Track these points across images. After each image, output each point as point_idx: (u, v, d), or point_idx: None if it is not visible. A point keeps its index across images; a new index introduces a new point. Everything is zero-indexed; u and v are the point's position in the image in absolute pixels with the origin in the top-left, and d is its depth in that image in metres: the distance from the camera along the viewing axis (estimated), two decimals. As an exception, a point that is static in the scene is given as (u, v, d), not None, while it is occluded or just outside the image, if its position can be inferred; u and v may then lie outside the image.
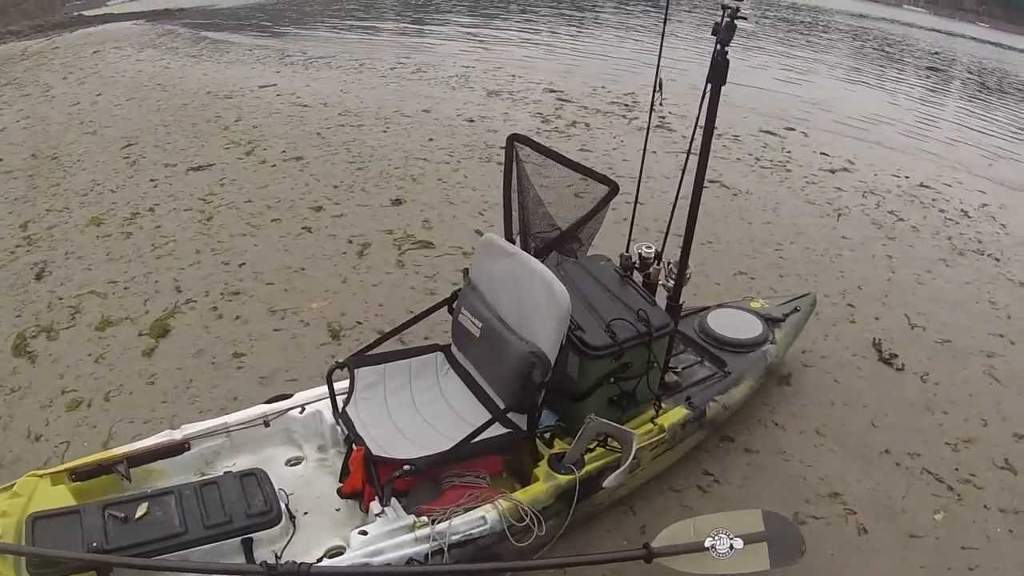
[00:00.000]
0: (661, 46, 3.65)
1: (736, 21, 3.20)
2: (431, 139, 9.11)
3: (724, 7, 3.19)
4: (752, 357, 4.40)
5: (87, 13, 18.98)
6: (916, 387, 5.11)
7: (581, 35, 17.83)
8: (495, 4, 21.47)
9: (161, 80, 11.77)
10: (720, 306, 4.86)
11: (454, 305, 3.83)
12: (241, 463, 3.53)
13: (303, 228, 6.72)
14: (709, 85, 3.34)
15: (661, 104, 3.70)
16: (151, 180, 7.77)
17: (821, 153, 9.62)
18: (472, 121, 9.86)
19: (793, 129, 10.60)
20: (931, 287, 6.48)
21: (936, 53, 21.06)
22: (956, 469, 4.37)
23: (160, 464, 3.45)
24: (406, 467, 3.07)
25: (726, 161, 8.79)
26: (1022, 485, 4.32)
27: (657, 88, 3.68)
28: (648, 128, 4.02)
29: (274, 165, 8.19)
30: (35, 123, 9.74)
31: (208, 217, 6.92)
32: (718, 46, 3.22)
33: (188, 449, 3.50)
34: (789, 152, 9.57)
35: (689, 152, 3.55)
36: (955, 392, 5.08)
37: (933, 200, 8.43)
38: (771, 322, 4.70)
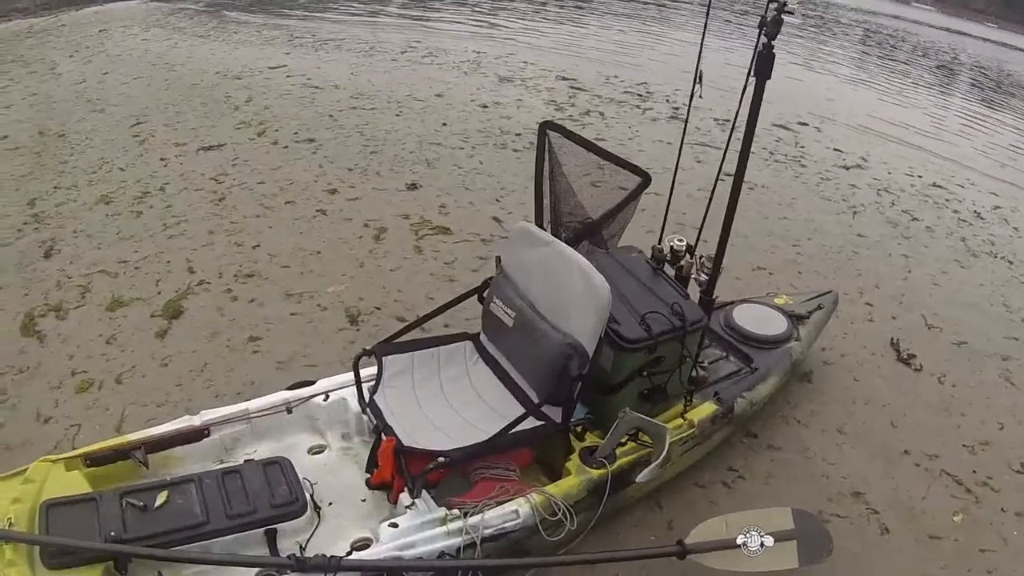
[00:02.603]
0: (703, 39, 3.62)
1: (783, 15, 3.17)
2: (445, 124, 9.06)
3: (771, 1, 3.15)
4: (778, 353, 4.39)
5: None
6: (934, 388, 5.12)
7: (592, 25, 17.72)
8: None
9: (169, 59, 11.64)
10: (745, 301, 4.84)
11: (485, 294, 3.79)
12: (262, 451, 3.47)
13: (318, 211, 6.66)
14: (753, 79, 3.30)
15: (701, 96, 3.65)
16: (161, 159, 7.69)
17: (835, 149, 9.60)
18: (486, 107, 9.80)
19: (806, 124, 10.57)
20: (946, 288, 6.49)
21: (945, 52, 21.03)
22: (974, 472, 4.39)
23: (178, 450, 3.38)
24: (440, 459, 3.03)
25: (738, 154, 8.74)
26: (1036, 489, 4.35)
27: (697, 80, 3.63)
28: (686, 120, 3.95)
29: (286, 147, 8.12)
30: (41, 100, 9.61)
31: (220, 198, 6.85)
32: (764, 39, 3.18)
33: (208, 435, 3.43)
34: (803, 147, 9.55)
35: (727, 147, 3.51)
36: (972, 394, 5.10)
37: (947, 200, 8.43)
38: (795, 319, 4.69)
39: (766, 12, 3.17)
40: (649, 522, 3.71)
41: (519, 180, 7.45)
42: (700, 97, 3.66)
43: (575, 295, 3.26)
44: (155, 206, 6.65)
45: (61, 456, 3.10)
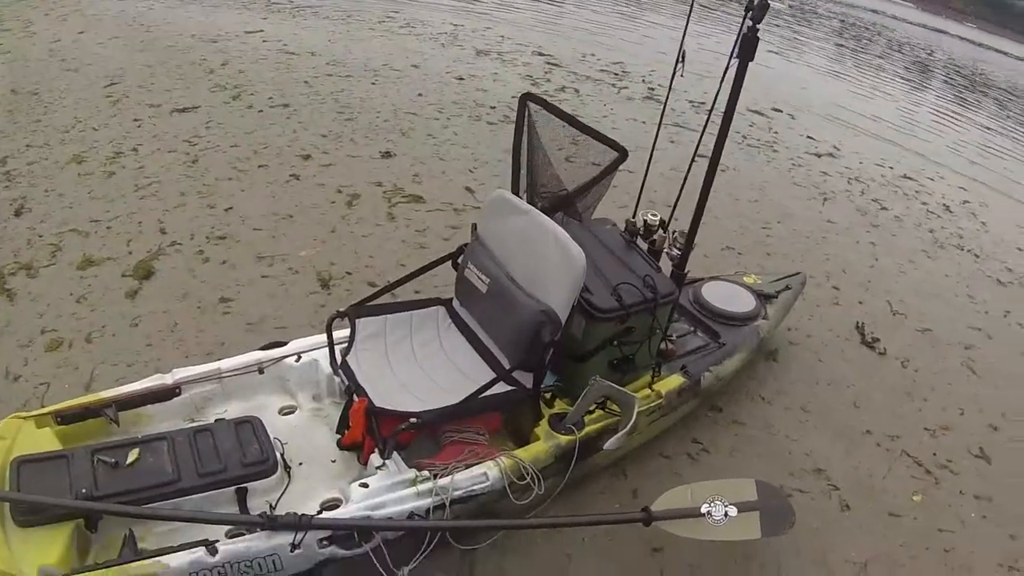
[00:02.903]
0: (688, 18, 3.66)
1: (770, 1, 3.22)
2: (420, 94, 9.00)
3: None
4: (746, 331, 4.46)
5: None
6: (897, 372, 5.22)
7: (570, 3, 17.66)
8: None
9: (145, 20, 11.42)
10: (714, 278, 4.89)
11: (459, 260, 3.80)
12: (233, 410, 3.46)
13: (291, 175, 6.62)
14: (736, 61, 3.34)
15: (683, 75, 3.68)
16: (135, 120, 7.56)
17: (808, 137, 9.70)
18: (462, 79, 9.76)
19: (780, 111, 10.67)
20: (913, 277, 6.60)
21: (921, 49, 21.26)
22: (934, 454, 4.50)
23: (149, 409, 3.36)
24: (412, 420, 3.03)
25: (714, 136, 8.78)
26: (996, 474, 4.47)
27: (680, 59, 3.66)
28: (667, 99, 3.97)
29: (261, 111, 8.02)
30: (15, 59, 9.37)
31: (193, 160, 6.77)
32: (749, 23, 3.21)
33: (179, 394, 3.42)
34: (776, 133, 9.64)
35: (705, 128, 3.55)
36: (934, 380, 5.21)
37: (916, 192, 8.55)
38: (764, 298, 4.76)
39: None
40: (614, 489, 3.76)
41: (492, 152, 7.45)
42: (682, 76, 3.69)
43: (551, 264, 3.28)
44: (127, 167, 6.56)
45: (31, 413, 3.08)
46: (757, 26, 3.23)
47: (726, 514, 3.22)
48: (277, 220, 5.87)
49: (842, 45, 19.76)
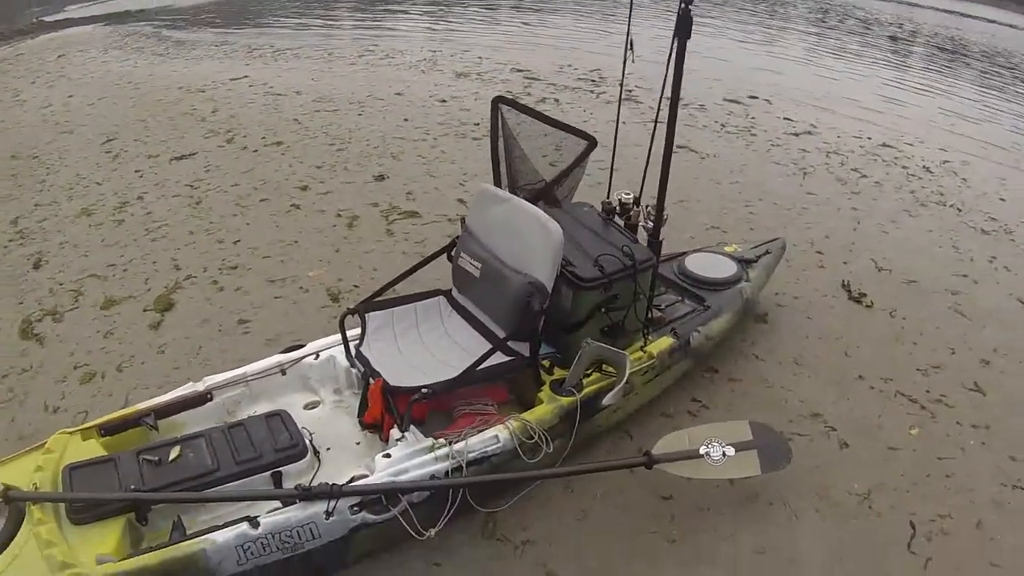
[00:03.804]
0: (631, 8, 3.94)
1: None
2: (406, 119, 9.30)
3: None
4: (729, 293, 4.72)
5: (48, 19, 18.77)
6: (885, 322, 5.44)
7: (546, 20, 17.98)
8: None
9: (131, 79, 11.78)
10: (696, 251, 5.16)
11: (452, 252, 4.09)
12: (261, 410, 3.71)
13: (292, 206, 6.91)
14: (676, 39, 3.62)
15: (634, 61, 3.97)
16: (136, 171, 7.88)
17: (785, 119, 9.93)
18: (445, 101, 10.06)
19: (756, 98, 10.89)
20: (896, 235, 6.82)
21: (895, 22, 21.46)
22: (927, 391, 4.70)
23: (184, 415, 3.65)
24: (423, 390, 3.31)
25: (693, 128, 9.11)
26: (991, 404, 4.67)
27: (629, 47, 3.95)
28: (621, 83, 4.24)
29: (256, 151, 8.34)
30: (9, 126, 9.74)
31: (197, 201, 7.07)
32: (682, 3, 3.50)
33: (211, 399, 3.71)
34: (754, 119, 9.88)
35: (661, 101, 3.81)
36: (923, 326, 5.42)
37: (896, 159, 8.77)
38: (744, 263, 5.03)
39: None
40: (620, 449, 4.01)
41: (480, 165, 7.69)
42: (633, 62, 3.98)
43: (533, 241, 3.58)
44: (135, 214, 6.86)
45: (77, 428, 3.36)
46: (690, 6, 3.51)
47: (724, 454, 3.49)
48: (283, 246, 6.16)
49: (815, 29, 19.98)
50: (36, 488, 2.93)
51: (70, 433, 3.30)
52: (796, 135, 9.30)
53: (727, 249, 5.20)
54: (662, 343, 4.11)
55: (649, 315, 4.11)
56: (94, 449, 3.27)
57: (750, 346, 4.96)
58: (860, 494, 3.86)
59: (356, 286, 5.53)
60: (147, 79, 11.73)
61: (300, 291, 5.52)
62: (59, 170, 8.04)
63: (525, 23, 17.15)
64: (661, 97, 3.77)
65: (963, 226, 7.15)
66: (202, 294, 5.52)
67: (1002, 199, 8.02)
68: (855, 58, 15.68)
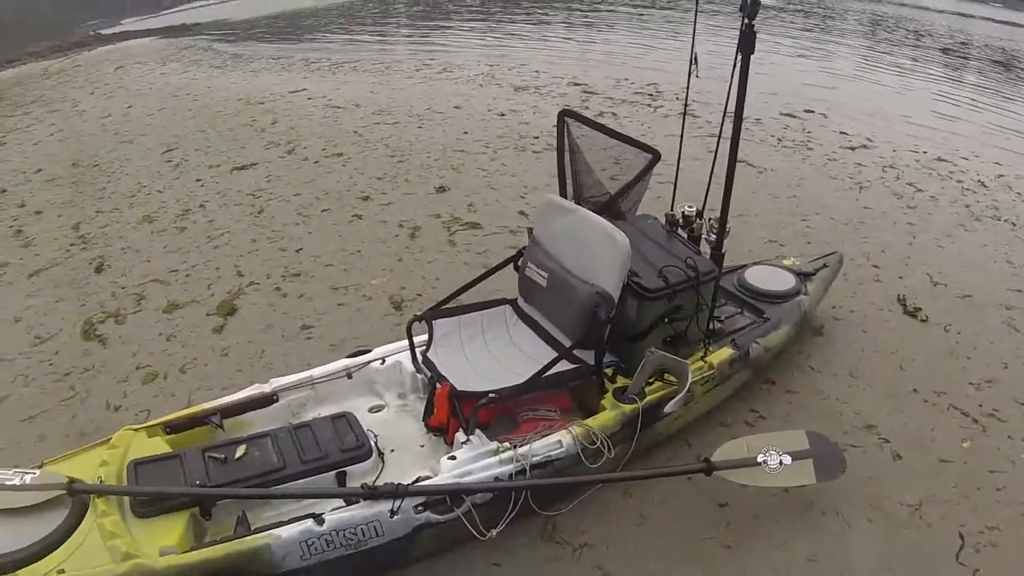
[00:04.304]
0: (695, 23, 4.04)
1: None
2: (466, 132, 9.46)
3: None
4: (787, 306, 4.79)
5: (104, 32, 19.39)
6: (940, 336, 5.44)
7: (599, 34, 18.07)
8: (506, 6, 21.77)
9: (190, 90, 12.16)
10: (756, 263, 5.23)
11: (519, 262, 4.22)
12: (326, 412, 3.83)
13: (354, 216, 7.10)
14: (739, 55, 3.73)
15: (698, 76, 4.08)
16: (197, 180, 8.16)
17: (841, 132, 9.88)
18: (503, 115, 10.20)
19: (812, 112, 10.84)
20: (951, 250, 6.80)
21: (948, 35, 21.18)
22: (980, 405, 4.71)
23: (250, 416, 3.78)
24: (491, 395, 3.43)
25: (750, 143, 9.09)
26: (1045, 418, 4.67)
27: (693, 61, 4.06)
28: (686, 97, 4.40)
29: (317, 162, 8.56)
30: (69, 135, 10.14)
31: (259, 210, 7.29)
32: (746, 20, 3.61)
33: (276, 401, 3.84)
34: (810, 132, 9.86)
35: (724, 116, 3.92)
36: (977, 340, 5.41)
37: (951, 172, 8.71)
38: (802, 276, 5.08)
39: None
40: (680, 457, 4.09)
41: (540, 178, 7.85)
42: (697, 77, 4.09)
43: (599, 251, 3.70)
44: (198, 221, 7.11)
45: (142, 425, 3.50)
46: (752, 22, 3.62)
47: (781, 462, 3.57)
48: (346, 256, 6.34)
49: (872, 38, 19.81)
50: (101, 482, 3.04)
51: (135, 430, 3.42)
52: (852, 149, 9.28)
53: (786, 262, 5.27)
54: (722, 354, 4.20)
55: (710, 326, 4.21)
56: (159, 446, 3.39)
57: (807, 359, 5.01)
58: (912, 505, 3.90)
59: (419, 295, 5.67)
60: (206, 91, 12.12)
61: (363, 299, 5.67)
62: (120, 178, 8.36)
63: (577, 39, 17.27)
64: (724, 112, 3.88)
65: (1018, 240, 7.10)
66: (265, 300, 5.69)
67: (1056, 214, 7.95)
68: (908, 72, 15.55)
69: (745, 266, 5.16)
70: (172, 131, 9.97)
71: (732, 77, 3.77)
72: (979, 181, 8.49)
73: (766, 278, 4.99)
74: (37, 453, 3.86)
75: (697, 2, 4.21)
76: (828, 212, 7.35)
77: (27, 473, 3.00)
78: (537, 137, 9.20)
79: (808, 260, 5.34)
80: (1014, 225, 7.40)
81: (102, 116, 10.96)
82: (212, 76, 13.23)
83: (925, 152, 9.36)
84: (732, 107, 3.88)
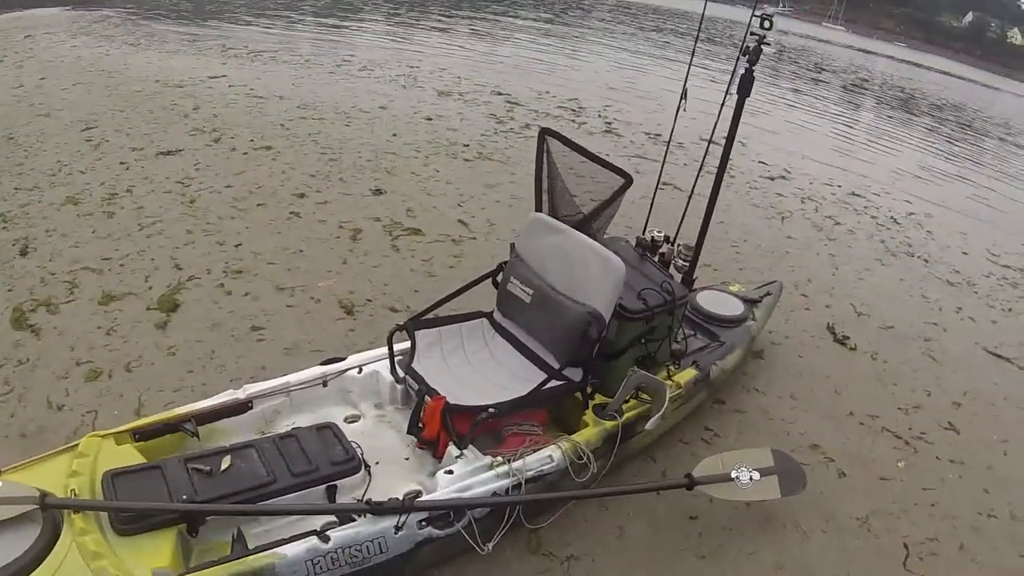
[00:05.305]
0: (691, 60, 4.22)
1: (761, 46, 3.88)
2: (395, 135, 9.47)
3: (754, 35, 3.98)
4: (739, 331, 5.04)
5: (9, -5, 18.52)
6: (868, 363, 5.84)
7: (509, 40, 18.27)
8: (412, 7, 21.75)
9: (104, 66, 11.74)
10: (705, 288, 5.46)
11: (498, 277, 4.26)
12: (300, 422, 3.73)
13: (291, 213, 6.98)
14: (736, 96, 3.91)
15: (684, 110, 4.25)
16: (121, 163, 7.85)
17: (760, 162, 10.35)
18: (430, 119, 10.25)
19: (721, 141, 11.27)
20: (870, 282, 7.27)
21: (853, 72, 22.29)
22: (910, 428, 5.12)
23: (223, 423, 3.60)
24: (490, 410, 3.47)
25: (675, 166, 9.33)
26: (964, 441, 5.12)
27: (683, 96, 4.23)
28: (672, 131, 4.62)
29: (245, 153, 8.41)
30: (-22, 106, 9.62)
31: (191, 200, 7.07)
32: (747, 65, 3.80)
33: (251, 408, 3.69)
34: (730, 161, 10.20)
35: (707, 149, 4.09)
36: (901, 368, 5.84)
37: (865, 207, 9.26)
38: (750, 303, 5.34)
39: (744, 40, 4.02)
40: (647, 472, 4.26)
41: (475, 188, 7.94)
42: (684, 111, 4.26)
43: (591, 272, 3.78)
44: (126, 207, 6.80)
45: (110, 431, 3.21)
46: (752, 68, 3.81)
47: (751, 478, 3.79)
48: (288, 255, 6.21)
49: (781, 72, 20.63)
50: (74, 495, 2.80)
51: (102, 436, 3.17)
52: (771, 179, 9.73)
53: (732, 288, 5.53)
54: (687, 374, 4.37)
55: (670, 347, 4.37)
56: (130, 454, 3.16)
57: (751, 380, 5.28)
58: (859, 518, 4.20)
59: (369, 300, 5.63)
60: (121, 68, 11.72)
61: (312, 301, 5.57)
62: (38, 154, 7.95)
63: (490, 47, 17.45)
64: (708, 146, 4.05)
65: (930, 276, 7.65)
66: (208, 297, 5.50)
67: (964, 252, 8.57)
68: (817, 104, 16.29)
69: (696, 290, 5.36)
70: (89, 108, 9.57)
71: (719, 115, 3.96)
72: (891, 217, 9.06)
73: (717, 303, 5.23)
74: (-23, 456, 3.66)
75: (695, 43, 4.39)
76: (755, 239, 7.70)
77: None
78: (467, 145, 9.29)
79: (753, 287, 5.62)
80: (926, 262, 7.95)
81: (15, 86, 10.43)
82: (126, 53, 12.78)
83: (840, 186, 9.92)
84: (708, 139, 4.09)
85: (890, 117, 16.64)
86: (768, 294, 5.55)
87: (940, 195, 10.76)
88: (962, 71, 26.80)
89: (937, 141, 14.99)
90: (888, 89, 20.48)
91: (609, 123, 10.79)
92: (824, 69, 22.15)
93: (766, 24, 4.03)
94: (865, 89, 19.88)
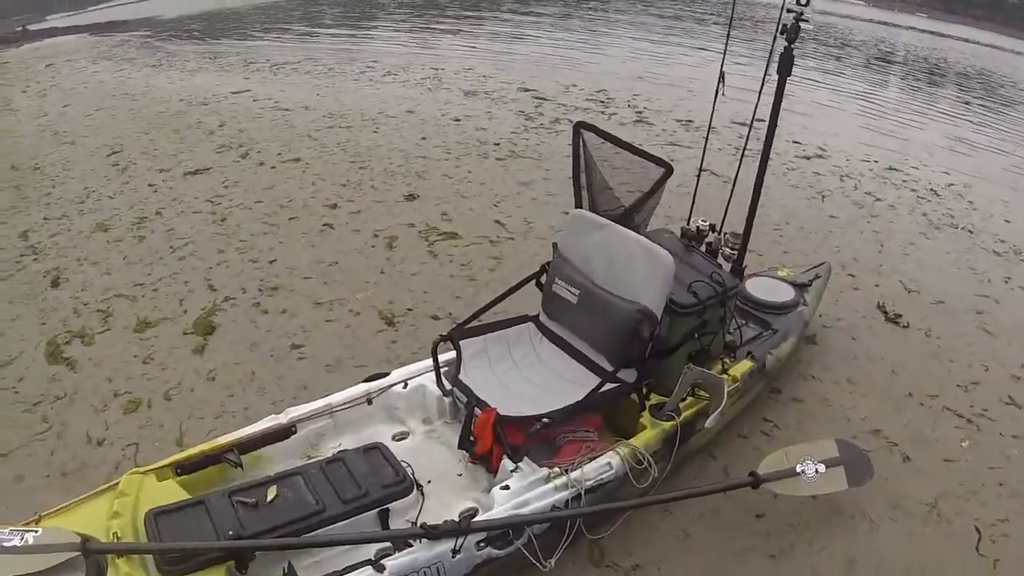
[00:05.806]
0: (727, 43, 4.08)
1: (799, 22, 3.74)
2: (424, 138, 9.35)
3: (790, 11, 3.84)
4: (792, 317, 4.89)
5: (31, 28, 18.69)
6: (922, 341, 5.67)
7: (533, 36, 18.10)
8: (429, 9, 21.68)
9: (127, 90, 11.75)
10: (753, 275, 5.30)
11: (542, 279, 4.14)
12: (347, 443, 3.62)
13: (324, 225, 6.91)
14: (777, 76, 3.78)
15: (723, 95, 4.11)
16: (149, 185, 7.83)
17: (794, 141, 10.12)
18: (459, 120, 10.13)
19: (763, 120, 11.04)
20: (917, 257, 7.06)
21: (880, 45, 21.89)
22: (971, 406, 4.95)
23: (267, 450, 3.50)
24: (545, 420, 3.34)
25: (710, 151, 9.18)
26: (1026, 416, 4.94)
27: (720, 80, 4.09)
28: (711, 116, 4.59)
29: (274, 167, 8.35)
30: (3, 136, 9.64)
31: (221, 218, 7.03)
32: (786, 43, 3.66)
33: (295, 432, 3.58)
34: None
35: (747, 138, 3.94)
36: (956, 343, 5.66)
37: (904, 181, 9.03)
38: (800, 287, 5.18)
39: (780, 18, 3.89)
40: (708, 470, 4.14)
41: (509, 187, 7.83)
42: (723, 95, 4.13)
43: (639, 268, 3.66)
44: (156, 230, 6.78)
45: (151, 467, 3.15)
46: (792, 45, 3.67)
47: (816, 471, 3.66)
48: (324, 267, 6.14)
49: (808, 48, 20.33)
50: (117, 538, 2.71)
51: (143, 473, 3.08)
52: (808, 158, 9.51)
53: (780, 273, 5.37)
54: (742, 366, 4.24)
55: (724, 340, 4.24)
56: (173, 490, 3.06)
57: (806, 367, 5.13)
58: (928, 503, 4.08)
59: (409, 309, 5.55)
60: (144, 91, 11.72)
61: (351, 314, 5.49)
62: (65, 182, 7.96)
63: (514, 42, 17.24)
64: (750, 129, 3.92)
65: (976, 247, 7.43)
66: (245, 316, 5.44)
67: (1007, 221, 8.31)
68: (847, 78, 15.96)
69: (744, 278, 5.22)
70: (113, 132, 9.58)
71: (759, 97, 3.82)
72: (931, 190, 8.83)
73: (766, 290, 5.08)
74: (18, 499, 3.61)
75: (730, 24, 4.25)
76: (797, 221, 7.52)
77: (27, 532, 2.60)
78: (498, 144, 9.16)
79: (801, 271, 5.46)
80: (970, 233, 7.73)
81: (37, 116, 10.48)
82: (148, 75, 12.80)
83: (877, 161, 9.67)
84: (749, 122, 3.95)
85: (916, 89, 16.26)
86: (817, 276, 5.39)
87: (976, 166, 10.44)
88: (985, 38, 26.05)
89: (967, 112, 14.62)
90: (913, 60, 20.02)
91: (639, 112, 10.61)
92: (847, 44, 21.71)
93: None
94: (891, 62, 19.44)
